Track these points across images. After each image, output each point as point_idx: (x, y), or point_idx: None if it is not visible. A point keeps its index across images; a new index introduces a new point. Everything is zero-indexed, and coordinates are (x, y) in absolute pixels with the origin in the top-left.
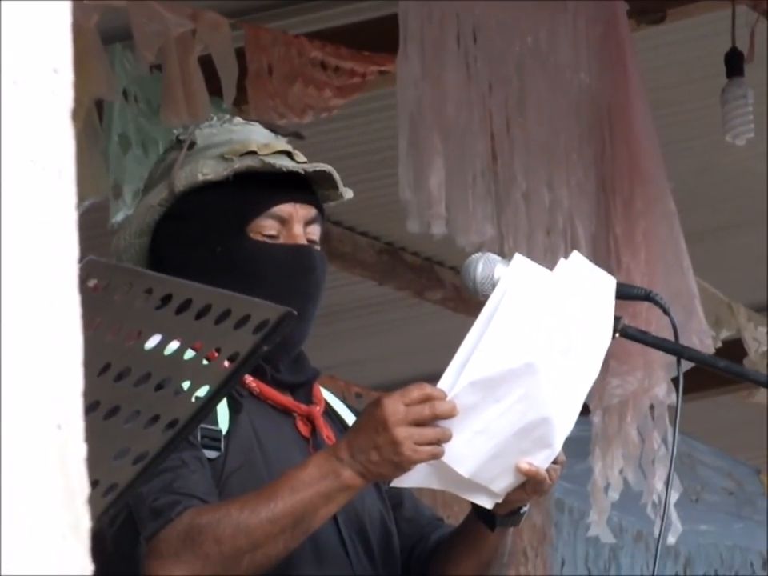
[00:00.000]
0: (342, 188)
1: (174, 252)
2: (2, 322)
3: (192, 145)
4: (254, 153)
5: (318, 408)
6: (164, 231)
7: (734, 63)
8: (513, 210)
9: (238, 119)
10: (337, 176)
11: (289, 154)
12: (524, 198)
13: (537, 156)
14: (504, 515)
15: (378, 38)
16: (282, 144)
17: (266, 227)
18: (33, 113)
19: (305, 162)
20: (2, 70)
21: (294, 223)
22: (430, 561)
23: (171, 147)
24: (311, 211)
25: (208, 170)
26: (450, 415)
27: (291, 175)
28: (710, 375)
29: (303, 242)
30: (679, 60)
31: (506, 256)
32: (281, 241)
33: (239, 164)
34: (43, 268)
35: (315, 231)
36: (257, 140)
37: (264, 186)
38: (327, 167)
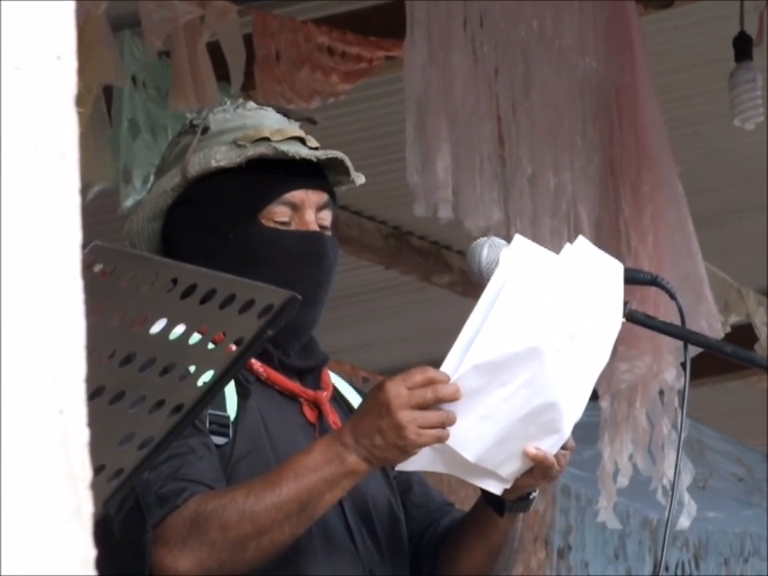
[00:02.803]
0: (353, 174)
1: (186, 237)
2: (3, 307)
3: (206, 130)
4: (266, 139)
5: (325, 393)
6: (176, 216)
7: (743, 47)
8: (519, 193)
9: (251, 104)
10: (349, 163)
11: (301, 140)
12: (530, 181)
13: (542, 140)
14: (513, 501)
15: (385, 24)
16: (295, 129)
17: (278, 213)
18: (35, 99)
19: (317, 148)
20: (5, 57)
21: (305, 209)
22: (440, 546)
23: (184, 131)
24: (323, 197)
25: (221, 156)
26: (453, 398)
27: (303, 161)
28: (719, 360)
29: (315, 228)
30: (687, 44)
31: (511, 240)
32: (292, 227)
33: (252, 151)
34: (46, 253)
35: (327, 217)
36: (270, 126)
37: (276, 172)
38: (339, 154)
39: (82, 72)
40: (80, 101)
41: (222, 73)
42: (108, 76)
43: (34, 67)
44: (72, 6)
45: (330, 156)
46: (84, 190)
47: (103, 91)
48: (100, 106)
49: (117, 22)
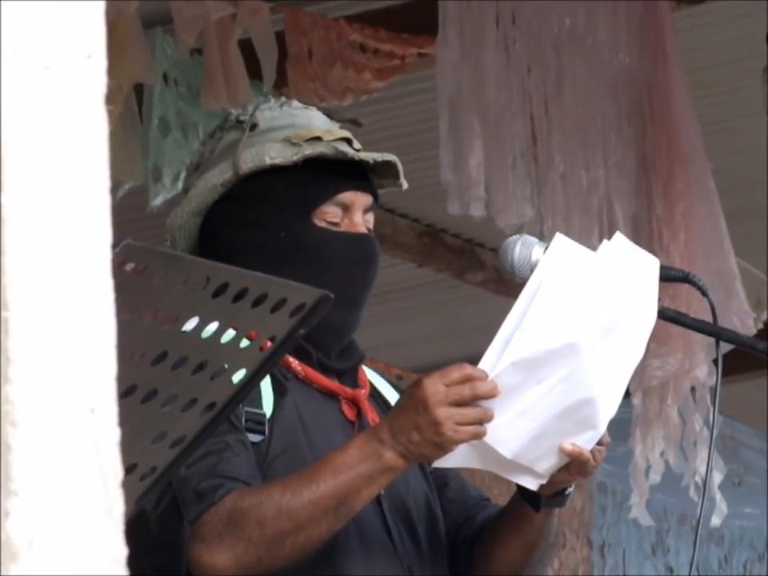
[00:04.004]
0: (402, 178)
1: (233, 234)
2: (35, 306)
3: (253, 126)
4: (318, 138)
5: (363, 391)
6: (222, 212)
7: None
8: (551, 191)
9: (296, 102)
10: (400, 167)
11: (349, 141)
12: (562, 178)
13: (575, 137)
14: (549, 496)
15: (417, 21)
16: (342, 131)
17: (329, 214)
18: (65, 98)
19: (361, 150)
20: (36, 56)
21: (355, 211)
22: (476, 541)
23: (229, 127)
24: (369, 199)
25: (275, 153)
26: (490, 395)
27: (352, 162)
28: (752, 357)
29: (363, 230)
30: (719, 40)
31: (544, 237)
32: (342, 228)
33: (310, 150)
34: (76, 252)
35: (371, 219)
36: (318, 125)
37: (329, 172)
38: (393, 157)
39: (113, 70)
40: (111, 99)
41: (254, 70)
42: (139, 74)
43: (64, 66)
44: (102, 4)
45: (385, 159)
46: (113, 188)
47: (134, 89)
48: (131, 104)
49: (148, 20)
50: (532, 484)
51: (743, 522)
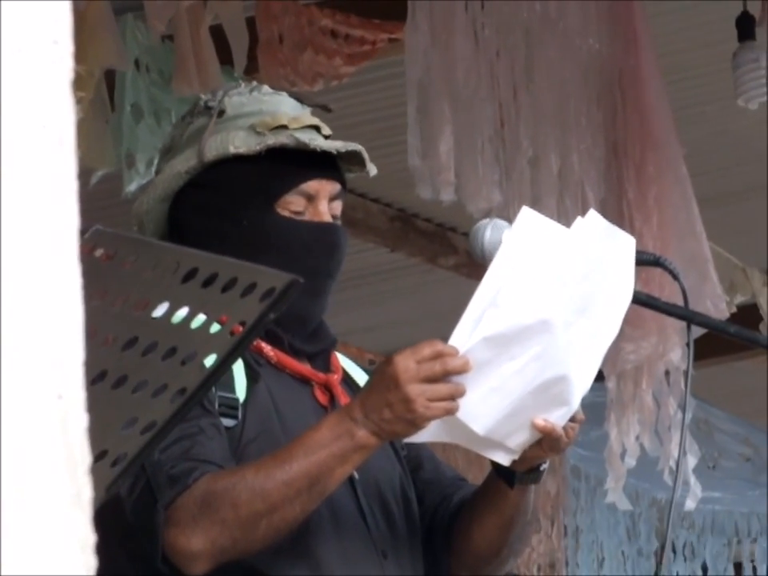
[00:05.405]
0: (369, 165)
1: (198, 221)
2: (2, 292)
3: (221, 112)
4: (284, 127)
5: (335, 376)
6: (187, 199)
7: (746, 27)
8: (519, 176)
9: (266, 88)
10: (366, 154)
11: (317, 128)
12: (530, 164)
13: (544, 122)
14: (523, 472)
15: (388, 6)
16: (311, 117)
17: (293, 203)
18: (33, 84)
19: (330, 136)
20: (2, 41)
21: (320, 200)
22: (453, 520)
23: (198, 112)
24: (336, 187)
25: (239, 142)
26: (462, 371)
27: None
28: (726, 340)
29: (328, 218)
30: (690, 25)
31: (513, 222)
32: (306, 217)
33: (273, 140)
34: (43, 237)
35: (338, 207)
36: (286, 112)
37: (293, 161)
38: (358, 147)
39: (85, 56)
40: (82, 85)
41: (225, 56)
42: (110, 60)
43: (31, 52)
44: None
45: (349, 149)
46: (86, 175)
47: (106, 75)
48: (102, 91)
49: (119, 6)
50: (504, 459)
51: (715, 506)
